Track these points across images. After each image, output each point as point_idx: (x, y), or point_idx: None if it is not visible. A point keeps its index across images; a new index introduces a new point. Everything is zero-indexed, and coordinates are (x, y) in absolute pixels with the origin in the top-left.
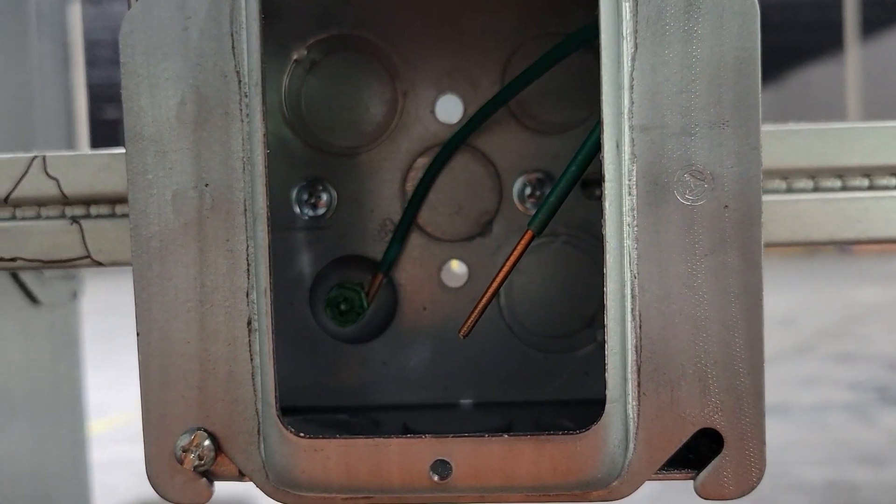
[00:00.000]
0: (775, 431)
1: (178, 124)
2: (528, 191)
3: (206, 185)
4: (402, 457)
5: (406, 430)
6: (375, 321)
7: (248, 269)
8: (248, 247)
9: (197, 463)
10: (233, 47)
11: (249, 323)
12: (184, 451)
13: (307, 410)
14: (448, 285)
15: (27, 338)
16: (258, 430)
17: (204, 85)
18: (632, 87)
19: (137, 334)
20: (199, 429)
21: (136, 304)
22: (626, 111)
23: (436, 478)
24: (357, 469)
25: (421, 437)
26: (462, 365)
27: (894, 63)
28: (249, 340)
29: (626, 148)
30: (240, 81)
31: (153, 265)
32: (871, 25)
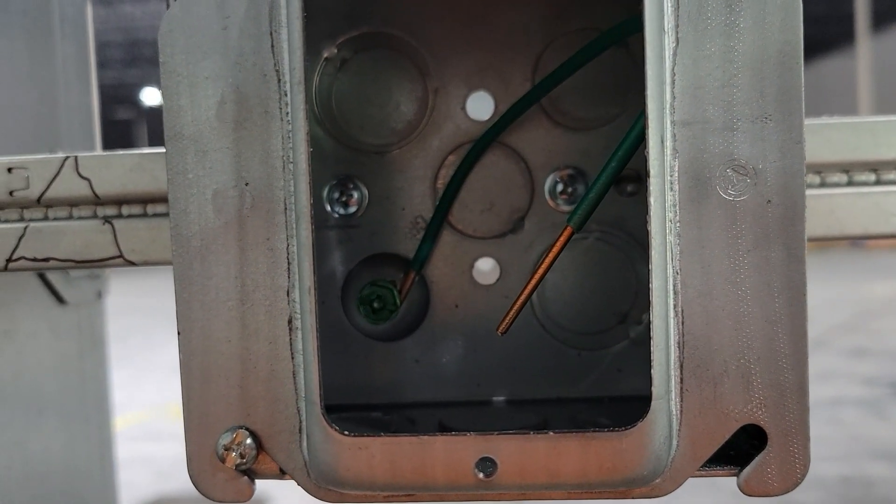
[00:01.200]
0: None
1: (218, 123)
2: (559, 187)
3: (247, 184)
4: (447, 455)
5: (442, 428)
6: (407, 319)
7: (288, 268)
8: (288, 245)
9: (239, 461)
10: (272, 46)
11: (290, 321)
12: (226, 450)
13: (341, 409)
14: (480, 283)
15: (55, 337)
16: (299, 429)
17: (243, 84)
18: (673, 81)
19: (178, 333)
20: (240, 427)
21: (177, 303)
22: (668, 106)
23: (481, 475)
24: (402, 467)
25: (465, 435)
26: (495, 362)
27: None
28: (290, 339)
29: (668, 143)
30: (279, 80)
31: (194, 264)
32: (883, 18)
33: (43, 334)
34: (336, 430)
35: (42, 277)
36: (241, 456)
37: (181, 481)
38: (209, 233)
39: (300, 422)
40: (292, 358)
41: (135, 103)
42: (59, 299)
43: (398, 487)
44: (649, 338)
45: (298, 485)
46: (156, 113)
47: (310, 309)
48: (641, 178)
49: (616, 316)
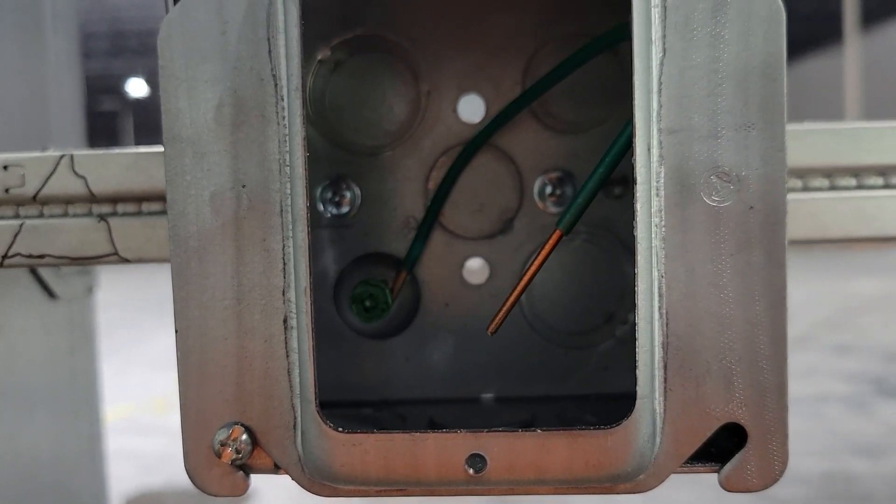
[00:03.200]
0: None
1: (216, 126)
2: (548, 189)
3: (243, 186)
4: (438, 451)
5: (432, 425)
6: (398, 317)
7: (283, 268)
8: (283, 246)
9: (234, 456)
10: (269, 51)
11: (285, 320)
12: (222, 445)
13: (332, 405)
14: (470, 282)
15: (47, 331)
16: (294, 425)
17: (241, 88)
18: (660, 90)
19: (176, 331)
20: (236, 423)
21: (174, 301)
22: (654, 114)
23: (471, 471)
24: (394, 463)
25: (456, 433)
26: (484, 360)
27: (893, 55)
28: (286, 337)
29: (654, 150)
30: (276, 84)
31: (191, 264)
32: (871, 17)
33: (34, 329)
34: (330, 426)
35: (34, 273)
36: (237, 451)
37: (166, 475)
38: (206, 233)
39: (295, 418)
40: (287, 356)
41: (120, 94)
42: (51, 294)
43: (391, 482)
44: (634, 338)
45: (293, 479)
46: (141, 104)
47: (305, 309)
48: (628, 181)
49: (602, 315)
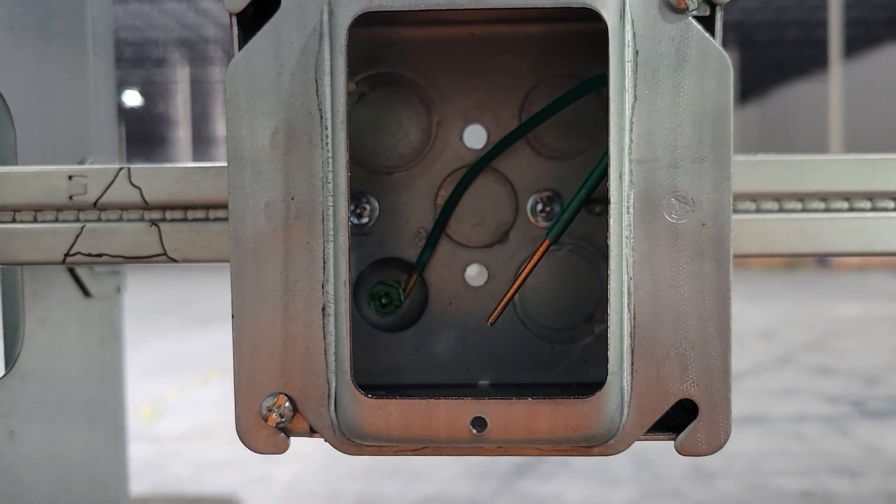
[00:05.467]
0: (753, 441)
1: (271, 149)
2: (539, 207)
3: (293, 198)
4: (449, 414)
5: None
6: (409, 313)
7: (324, 266)
8: (324, 248)
9: (279, 420)
10: (317, 90)
11: (324, 309)
12: (268, 411)
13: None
14: (471, 284)
15: (81, 326)
16: (328, 395)
17: (293, 119)
18: (631, 128)
19: (233, 316)
20: (280, 393)
21: (232, 292)
22: (626, 148)
23: (474, 431)
24: (412, 423)
25: (463, 399)
26: (481, 352)
27: (876, 81)
28: (324, 323)
29: (626, 177)
30: (321, 117)
31: (247, 261)
32: (855, 45)
33: (71, 324)
34: (362, 393)
35: (71, 272)
36: (281, 416)
37: (152, 483)
38: (261, 236)
39: (329, 389)
40: (324, 338)
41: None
42: (85, 293)
43: (408, 440)
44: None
45: (325, 440)
46: (135, 113)
47: (344, 297)
48: (607, 201)
49: (583, 315)
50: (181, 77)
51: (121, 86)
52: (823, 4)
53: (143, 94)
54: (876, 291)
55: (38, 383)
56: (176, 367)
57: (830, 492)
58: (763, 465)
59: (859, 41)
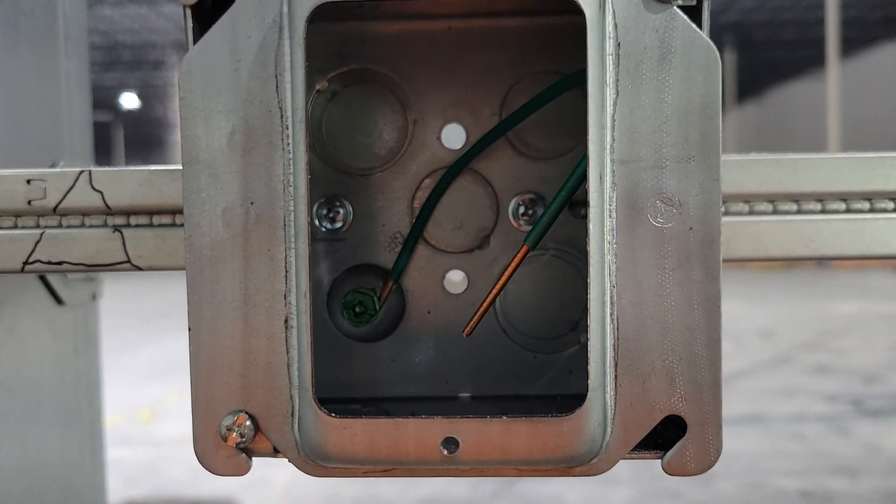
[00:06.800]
0: (752, 441)
1: (229, 151)
2: (521, 209)
3: (252, 203)
4: (417, 434)
5: None
6: (385, 322)
7: (286, 275)
8: (286, 256)
9: (239, 440)
10: (276, 87)
11: (286, 321)
12: (228, 430)
13: (323, 401)
14: (450, 292)
15: (53, 335)
16: (291, 413)
17: (251, 118)
18: (613, 126)
19: (189, 329)
20: (241, 411)
21: (188, 303)
22: (608, 147)
23: (445, 452)
24: (379, 444)
25: (433, 418)
26: (461, 362)
27: (873, 80)
28: (286, 336)
29: (608, 178)
30: (282, 116)
31: (204, 270)
32: (852, 44)
33: (42, 333)
34: (325, 412)
35: (42, 279)
36: (241, 435)
37: (150, 486)
38: (218, 244)
39: (293, 407)
40: (287, 352)
41: (112, 107)
42: (58, 300)
43: (375, 462)
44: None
45: (290, 461)
46: (133, 116)
47: (305, 310)
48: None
49: (568, 324)
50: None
51: (119, 89)
52: (820, 4)
53: (141, 96)
54: (874, 290)
55: (6, 394)
56: (175, 370)
57: (830, 491)
58: (762, 466)
59: (856, 40)
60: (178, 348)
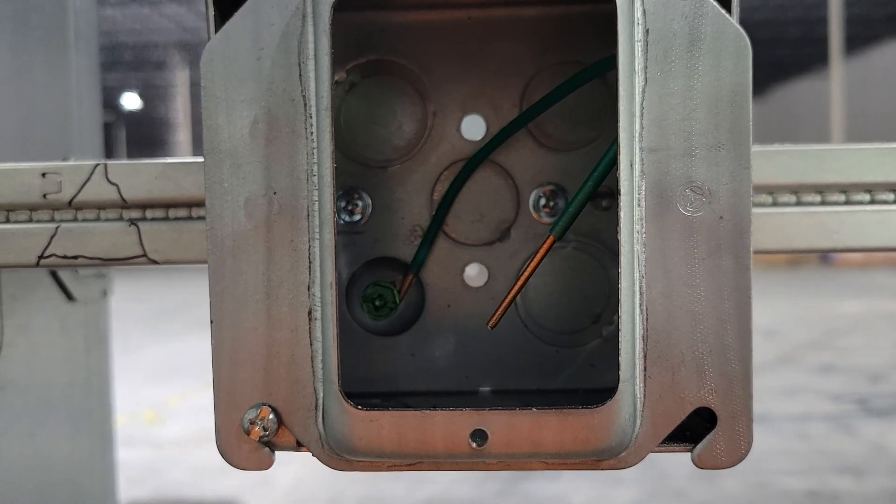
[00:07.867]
0: (757, 440)
1: (251, 140)
2: (542, 202)
3: (275, 192)
4: (446, 427)
5: None
6: (405, 316)
7: (309, 266)
8: (309, 247)
9: (262, 434)
10: (300, 75)
11: (310, 313)
12: (251, 423)
13: (343, 396)
14: (470, 285)
15: (65, 331)
16: (315, 406)
17: (274, 107)
18: (642, 114)
19: (211, 322)
20: (264, 404)
21: (210, 295)
22: (637, 135)
23: (474, 445)
24: (406, 437)
25: (462, 410)
26: (482, 357)
27: (877, 78)
28: (310, 328)
29: (637, 166)
30: (305, 105)
31: (226, 262)
32: (856, 42)
33: (53, 330)
34: (351, 404)
35: (54, 275)
36: (265, 429)
37: (153, 487)
38: (241, 235)
39: (316, 400)
40: (311, 345)
41: (114, 107)
42: (69, 296)
43: (403, 455)
44: (618, 331)
45: (313, 455)
46: (135, 116)
47: (330, 301)
48: (615, 194)
49: (590, 317)
50: (181, 80)
51: (121, 89)
52: (823, 2)
53: (142, 97)
54: (879, 288)
55: (17, 393)
56: (178, 372)
57: (835, 490)
58: (768, 465)
59: (860, 38)
60: (181, 350)
